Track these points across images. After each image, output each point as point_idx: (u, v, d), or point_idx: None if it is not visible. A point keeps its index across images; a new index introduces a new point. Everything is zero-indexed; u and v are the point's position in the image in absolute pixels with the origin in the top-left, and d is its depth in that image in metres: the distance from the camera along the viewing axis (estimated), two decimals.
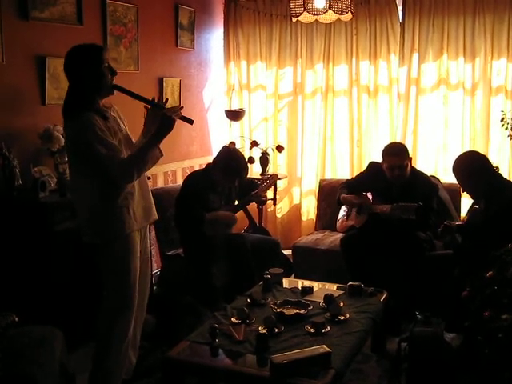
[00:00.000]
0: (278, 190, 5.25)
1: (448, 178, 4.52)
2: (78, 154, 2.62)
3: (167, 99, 2.94)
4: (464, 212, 4.31)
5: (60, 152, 3.39)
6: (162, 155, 2.74)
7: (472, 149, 4.55)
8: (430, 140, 4.94)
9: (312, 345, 2.50)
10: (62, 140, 3.30)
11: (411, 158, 3.95)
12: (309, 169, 5.40)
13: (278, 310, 2.89)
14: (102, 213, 2.66)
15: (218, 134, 5.60)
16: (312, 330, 2.68)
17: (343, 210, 4.44)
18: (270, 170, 5.26)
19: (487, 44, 4.64)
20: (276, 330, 2.67)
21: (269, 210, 5.47)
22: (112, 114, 2.75)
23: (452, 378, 2.81)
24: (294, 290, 3.27)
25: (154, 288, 4.08)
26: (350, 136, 5.20)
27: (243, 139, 5.49)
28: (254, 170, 5.31)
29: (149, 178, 3.96)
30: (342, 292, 3.22)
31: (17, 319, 2.37)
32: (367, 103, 5.11)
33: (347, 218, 4.29)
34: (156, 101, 2.80)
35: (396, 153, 3.82)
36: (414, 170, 3.96)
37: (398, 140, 4.87)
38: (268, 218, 5.51)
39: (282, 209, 5.56)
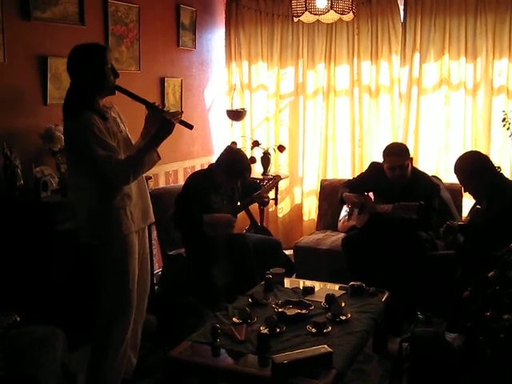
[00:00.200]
0: (280, 189, 5.26)
1: (449, 178, 4.52)
2: (77, 154, 2.61)
3: (165, 105, 2.94)
4: (465, 212, 4.30)
5: (62, 152, 3.39)
6: (159, 158, 2.72)
7: (473, 149, 4.54)
8: (432, 140, 4.94)
9: (313, 345, 2.50)
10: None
11: (412, 158, 3.95)
12: (310, 169, 5.40)
13: (280, 309, 2.89)
14: (100, 214, 2.66)
15: (220, 134, 5.61)
16: (313, 330, 2.68)
17: (345, 210, 4.44)
18: (272, 170, 5.26)
19: (489, 44, 4.63)
20: (277, 330, 2.67)
21: (270, 209, 5.47)
22: (112, 114, 2.74)
23: (453, 378, 2.81)
24: (295, 290, 3.27)
25: (156, 288, 4.08)
26: (351, 136, 5.20)
27: (245, 139, 5.49)
28: (256, 170, 5.30)
29: (150, 178, 4.00)
30: (343, 292, 3.22)
31: (18, 319, 2.37)
32: (368, 103, 5.11)
33: (349, 218, 4.28)
34: (157, 105, 2.80)
35: (397, 153, 3.82)
36: (415, 170, 3.96)
37: (399, 140, 4.87)
38: (269, 218, 5.51)
39: (283, 209, 5.56)
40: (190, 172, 4.82)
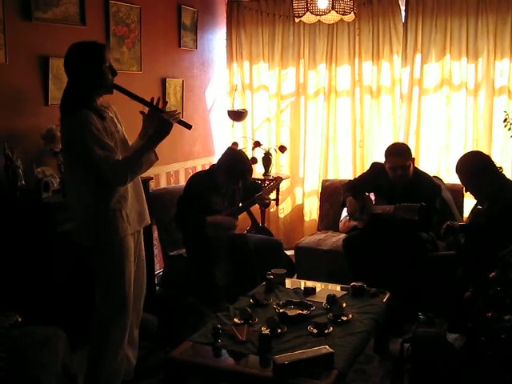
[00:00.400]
0: (281, 190, 5.25)
1: (451, 178, 4.52)
2: (74, 153, 2.58)
3: (166, 102, 2.91)
4: (467, 212, 4.30)
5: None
6: (157, 159, 2.69)
7: (475, 149, 4.54)
8: (433, 140, 4.94)
9: (315, 345, 2.50)
10: None
11: (414, 159, 3.95)
12: (311, 169, 5.40)
13: (281, 310, 2.88)
14: (95, 216, 2.62)
15: (221, 135, 5.61)
16: (315, 331, 2.68)
17: (346, 211, 4.43)
18: (273, 171, 5.26)
19: (490, 44, 4.63)
20: (279, 331, 2.67)
21: (271, 210, 5.46)
22: (110, 114, 2.71)
23: (455, 378, 2.81)
24: (296, 291, 3.27)
25: (157, 288, 4.08)
26: (352, 136, 5.20)
27: (246, 139, 5.49)
28: (257, 171, 5.30)
29: (151, 179, 4.00)
30: (344, 292, 3.22)
31: (20, 319, 2.37)
32: (370, 104, 5.11)
33: (350, 219, 4.28)
34: (155, 103, 2.77)
35: (398, 153, 3.82)
36: (416, 170, 3.96)
37: (400, 140, 4.87)
38: (271, 219, 5.51)
39: (284, 209, 5.57)
40: (191, 172, 4.83)
